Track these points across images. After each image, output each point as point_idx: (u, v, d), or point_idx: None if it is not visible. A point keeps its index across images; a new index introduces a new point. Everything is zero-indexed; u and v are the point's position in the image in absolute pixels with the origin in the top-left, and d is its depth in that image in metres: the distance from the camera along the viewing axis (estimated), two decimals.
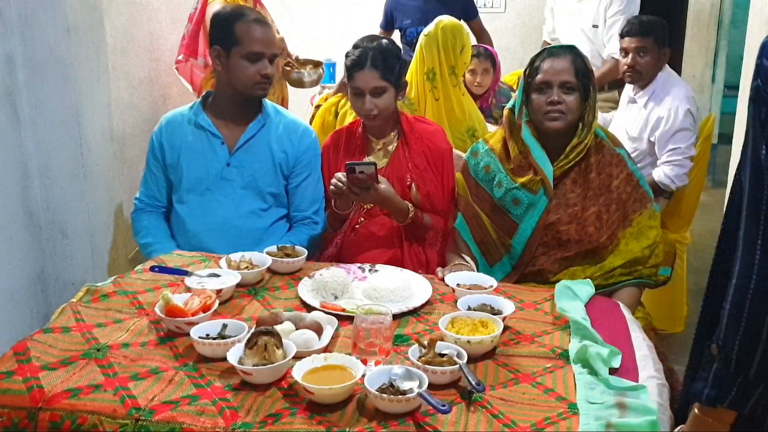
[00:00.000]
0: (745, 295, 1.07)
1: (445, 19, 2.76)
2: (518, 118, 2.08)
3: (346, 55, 2.26)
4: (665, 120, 2.96)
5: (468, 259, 2.15)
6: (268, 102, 2.36)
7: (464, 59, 2.81)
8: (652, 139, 3.02)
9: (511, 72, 4.49)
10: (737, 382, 1.11)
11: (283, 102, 3.74)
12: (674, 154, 2.95)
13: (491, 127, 3.63)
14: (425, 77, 2.71)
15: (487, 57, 3.88)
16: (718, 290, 1.21)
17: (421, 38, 2.75)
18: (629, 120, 3.15)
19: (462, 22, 2.91)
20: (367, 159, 2.26)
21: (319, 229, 2.33)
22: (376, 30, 4.05)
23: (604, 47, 3.78)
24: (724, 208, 1.23)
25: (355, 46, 2.24)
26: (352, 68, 2.20)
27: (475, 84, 3.88)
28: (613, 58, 3.63)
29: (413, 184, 2.25)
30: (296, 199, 2.34)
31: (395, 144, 2.30)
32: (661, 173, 2.96)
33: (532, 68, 2.06)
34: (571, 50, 2.06)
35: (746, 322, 1.08)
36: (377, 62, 2.17)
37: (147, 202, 2.36)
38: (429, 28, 2.74)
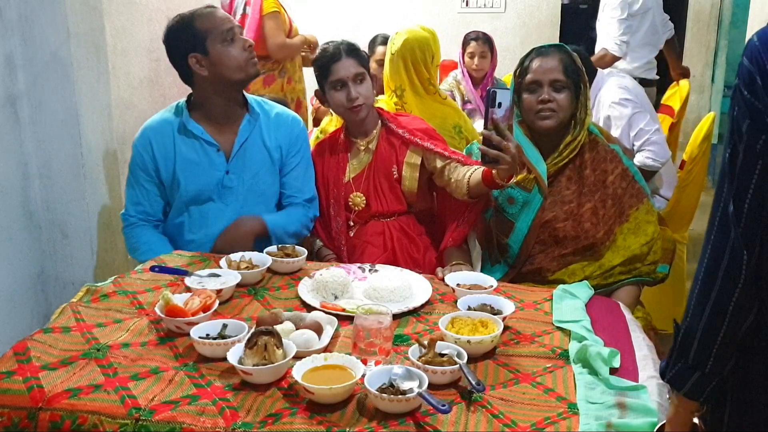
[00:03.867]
0: (696, 281, 1.13)
1: (410, 34, 2.60)
2: None
3: (317, 59, 2.27)
4: (613, 117, 3.12)
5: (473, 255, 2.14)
6: (250, 97, 2.28)
7: (436, 63, 2.72)
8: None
9: (511, 72, 4.51)
10: (679, 362, 1.16)
11: (299, 105, 3.72)
12: (639, 137, 3.08)
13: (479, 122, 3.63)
14: (393, 94, 2.67)
15: (485, 42, 3.98)
16: None
17: (387, 54, 2.66)
18: None
19: (430, 29, 2.70)
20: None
21: (310, 214, 2.29)
22: (379, 28, 4.10)
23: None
24: None
25: (323, 48, 2.27)
26: (330, 62, 2.22)
27: (474, 67, 3.96)
28: (604, 49, 3.86)
29: (404, 174, 2.26)
30: (288, 183, 2.29)
31: (377, 141, 2.31)
32: (641, 158, 3.07)
33: (522, 68, 2.07)
34: (560, 48, 2.07)
35: (693, 306, 1.14)
36: (351, 53, 2.23)
37: (139, 217, 2.23)
38: (395, 45, 2.60)
